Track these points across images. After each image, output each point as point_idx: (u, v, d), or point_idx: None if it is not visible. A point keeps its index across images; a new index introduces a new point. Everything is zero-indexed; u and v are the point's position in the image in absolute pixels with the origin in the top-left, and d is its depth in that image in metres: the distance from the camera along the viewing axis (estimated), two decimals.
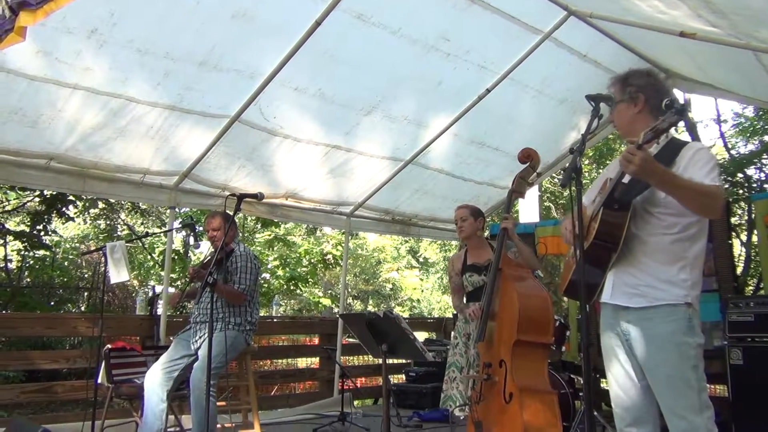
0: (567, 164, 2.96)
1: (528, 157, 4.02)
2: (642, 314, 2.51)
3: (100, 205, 13.10)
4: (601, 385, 7.21)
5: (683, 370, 2.41)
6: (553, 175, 11.25)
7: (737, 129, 12.73)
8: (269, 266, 14.12)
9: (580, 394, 5.46)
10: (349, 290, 20.06)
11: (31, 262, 12.21)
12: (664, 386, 2.45)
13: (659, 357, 2.45)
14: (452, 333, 4.71)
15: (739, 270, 9.51)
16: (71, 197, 10.35)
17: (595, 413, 4.86)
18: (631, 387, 2.58)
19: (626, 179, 2.52)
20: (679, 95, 12.26)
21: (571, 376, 5.81)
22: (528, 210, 9.14)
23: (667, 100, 2.38)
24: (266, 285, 13.66)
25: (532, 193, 8.83)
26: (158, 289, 8.61)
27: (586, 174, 15.48)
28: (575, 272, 2.64)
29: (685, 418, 2.38)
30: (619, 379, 2.62)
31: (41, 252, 11.88)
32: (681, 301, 2.45)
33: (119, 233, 14.35)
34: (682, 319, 2.44)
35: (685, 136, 13.10)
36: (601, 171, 16.25)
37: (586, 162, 15.48)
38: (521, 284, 3.71)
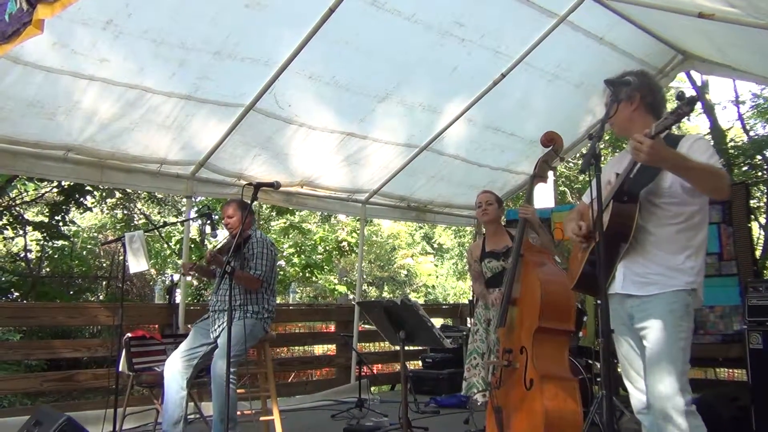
0: (583, 149, 2.96)
1: (551, 140, 3.95)
2: (647, 298, 2.62)
3: (117, 194, 13.19)
4: (619, 370, 7.21)
5: (672, 350, 2.53)
6: (569, 159, 11.19)
7: (756, 110, 12.55)
8: (285, 254, 14.17)
9: (598, 379, 5.45)
10: (365, 277, 20.09)
11: (51, 252, 12.35)
12: (653, 362, 2.57)
13: (655, 335, 2.58)
14: (471, 319, 4.71)
15: (758, 253, 9.41)
16: (89, 187, 10.43)
17: (614, 398, 4.85)
18: (639, 371, 2.72)
19: (633, 174, 2.63)
20: (697, 77, 12.17)
21: (589, 361, 5.79)
22: (543, 195, 9.10)
23: (679, 91, 2.41)
24: (282, 273, 13.73)
25: (549, 177, 8.78)
26: (176, 277, 8.68)
27: (604, 158, 15.36)
28: (582, 268, 2.78)
29: (662, 394, 2.50)
30: (631, 364, 2.77)
31: (60, 242, 12.00)
32: (688, 288, 2.58)
33: (136, 222, 14.45)
34: (680, 303, 2.57)
35: (702, 119, 12.95)
36: (617, 155, 16.15)
37: (603, 146, 15.35)
38: (543, 270, 3.66)
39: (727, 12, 3.94)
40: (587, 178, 2.44)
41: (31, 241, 12.01)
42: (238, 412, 4.42)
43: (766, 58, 4.96)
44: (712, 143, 2.63)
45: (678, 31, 5.57)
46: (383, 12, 4.78)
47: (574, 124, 6.98)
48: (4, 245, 13.24)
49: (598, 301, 2.43)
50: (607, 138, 14.80)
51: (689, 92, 2.51)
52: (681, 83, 12.46)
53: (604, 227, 2.56)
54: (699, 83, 12.41)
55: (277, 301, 4.87)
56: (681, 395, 2.49)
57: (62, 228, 11.25)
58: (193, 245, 11.86)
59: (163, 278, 14.78)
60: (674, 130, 2.63)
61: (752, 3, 3.66)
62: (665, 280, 2.59)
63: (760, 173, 11.44)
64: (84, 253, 14.40)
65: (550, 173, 4.14)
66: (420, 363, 7.73)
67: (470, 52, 5.44)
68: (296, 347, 9.89)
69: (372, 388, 7.14)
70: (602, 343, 2.46)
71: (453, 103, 6.23)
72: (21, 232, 11.42)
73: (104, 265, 14.44)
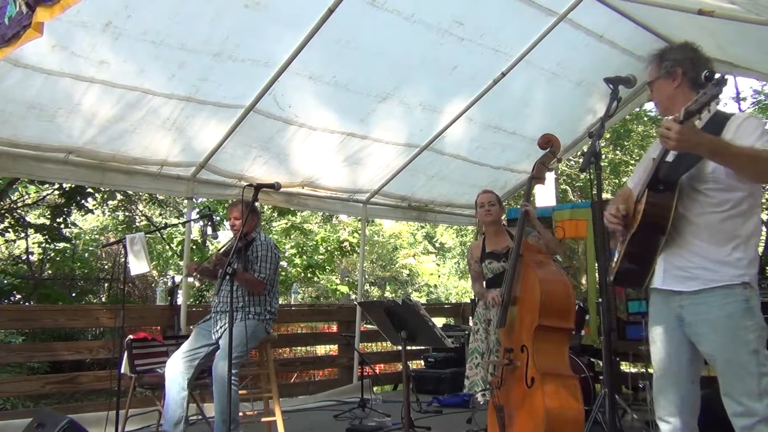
0: (584, 147, 2.95)
1: (549, 142, 3.98)
2: (696, 298, 2.39)
3: (118, 196, 13.21)
4: (621, 368, 7.20)
5: (740, 355, 2.30)
6: (570, 158, 11.17)
7: (757, 107, 12.55)
8: (286, 254, 14.18)
9: (600, 377, 5.45)
10: (367, 277, 20.10)
11: (52, 254, 12.36)
12: (722, 371, 2.36)
13: (716, 342, 2.35)
14: (472, 319, 4.71)
15: (760, 250, 9.36)
16: (90, 189, 10.44)
17: (616, 396, 4.85)
18: (671, 376, 2.49)
19: (670, 157, 2.41)
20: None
21: (591, 359, 5.80)
22: (545, 194, 9.09)
23: (707, 72, 2.29)
24: (284, 273, 13.73)
25: (549, 177, 8.78)
26: (178, 279, 8.68)
27: (604, 156, 15.35)
28: (620, 261, 2.56)
29: (742, 403, 2.29)
30: (662, 367, 2.52)
31: (62, 244, 12.00)
32: (737, 282, 2.33)
33: (137, 224, 14.47)
34: (738, 301, 2.32)
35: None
36: (618, 153, 16.15)
37: (604, 144, 15.35)
38: (542, 270, 3.69)
39: (728, 9, 3.93)
40: (588, 177, 2.42)
41: (33, 243, 12.02)
42: (240, 413, 4.42)
43: (766, 54, 4.95)
44: (762, 122, 2.40)
45: (678, 28, 5.55)
46: (383, 12, 4.78)
47: (575, 122, 6.97)
48: (6, 248, 13.26)
49: (599, 300, 2.41)
50: (608, 136, 14.81)
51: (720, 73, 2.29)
52: None
53: (638, 218, 2.41)
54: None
55: (280, 302, 4.86)
56: (760, 402, 2.25)
57: (64, 230, 11.27)
58: (194, 246, 11.87)
59: (165, 280, 14.79)
60: None
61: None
62: (708, 275, 2.36)
63: None
64: (86, 255, 14.42)
65: (549, 174, 4.15)
66: (422, 362, 7.73)
67: (470, 51, 5.44)
68: (298, 348, 9.89)
69: (374, 388, 7.14)
70: (604, 341, 2.45)
71: (453, 103, 6.22)
72: (23, 234, 11.42)
73: (106, 266, 14.45)
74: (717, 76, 2.19)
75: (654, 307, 2.58)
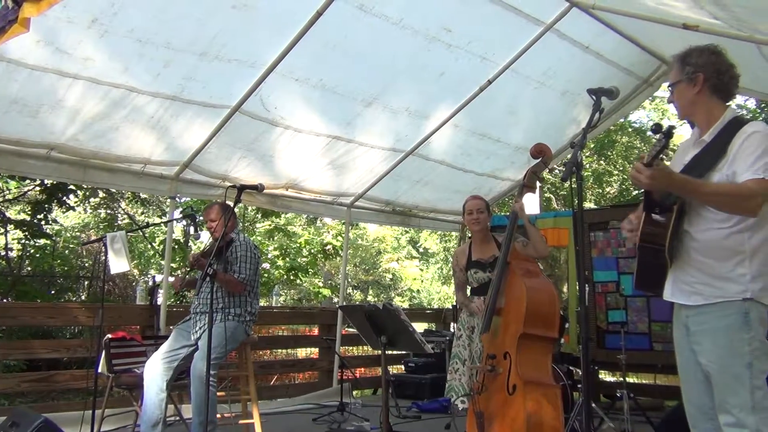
0: (568, 156, 2.97)
1: (541, 152, 3.98)
2: (699, 310, 2.45)
3: (101, 194, 13.10)
4: (600, 377, 7.25)
5: (735, 367, 2.34)
6: (554, 166, 11.24)
7: None
8: (269, 256, 14.13)
9: (579, 385, 5.48)
10: (349, 280, 20.08)
11: (32, 251, 12.23)
12: (716, 382, 2.40)
13: (713, 353, 2.40)
14: (456, 324, 4.69)
15: None
16: (72, 186, 10.34)
17: (593, 405, 4.88)
18: (693, 383, 2.53)
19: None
20: None
21: (570, 367, 5.83)
22: (529, 202, 9.13)
23: (653, 125, 2.36)
24: (266, 275, 13.67)
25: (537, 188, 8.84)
26: (158, 278, 8.63)
27: (587, 166, 15.47)
28: (637, 269, 2.63)
29: (734, 415, 2.32)
30: (684, 375, 2.58)
31: (42, 241, 11.89)
32: (738, 297, 2.36)
33: (119, 222, 14.35)
34: (736, 314, 2.35)
35: (686, 128, 12.98)
36: (602, 163, 16.27)
37: (587, 154, 15.47)
38: (529, 278, 3.70)
39: (711, 23, 3.98)
40: (570, 186, 2.45)
41: (12, 239, 11.89)
42: (218, 415, 4.39)
43: (748, 69, 4.98)
44: None
45: (663, 42, 5.62)
46: (371, 16, 4.79)
47: (560, 131, 7.01)
48: None
49: (578, 309, 2.45)
50: (591, 146, 14.93)
51: (671, 120, 2.42)
52: (665, 92, 12.57)
53: (637, 241, 2.50)
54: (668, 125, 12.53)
55: (261, 304, 4.84)
56: (752, 414, 2.29)
57: (44, 227, 11.15)
58: (176, 246, 11.79)
59: (146, 279, 14.68)
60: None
61: (735, 15, 3.70)
62: (710, 291, 2.40)
63: None
64: (66, 252, 14.28)
65: (538, 183, 4.16)
66: (403, 367, 7.73)
67: (457, 57, 5.46)
68: (279, 350, 9.85)
69: (354, 392, 7.12)
70: (582, 350, 2.47)
71: (439, 109, 6.24)
72: (2, 230, 11.30)
73: (86, 264, 14.32)
74: (664, 128, 2.28)
75: (674, 316, 2.65)
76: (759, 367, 2.32)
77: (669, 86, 2.68)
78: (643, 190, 2.55)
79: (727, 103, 2.56)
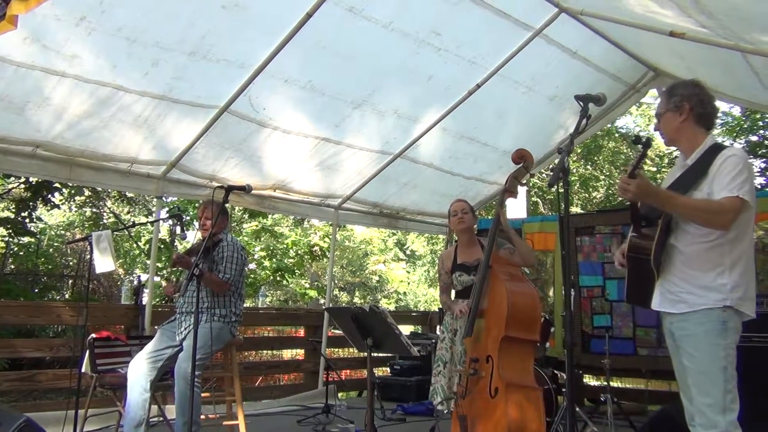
0: (555, 161, 3.02)
1: (522, 157, 4.01)
2: (682, 317, 2.66)
3: (86, 192, 13.00)
4: (584, 381, 7.28)
5: (711, 370, 2.54)
6: (542, 171, 11.30)
7: (724, 128, 12.82)
8: (256, 257, 14.09)
9: (563, 389, 5.51)
10: (336, 282, 20.05)
11: (16, 249, 12.13)
12: (693, 383, 2.60)
13: (692, 356, 2.60)
14: (440, 327, 4.71)
15: None
16: (57, 185, 10.26)
17: (577, 409, 4.90)
18: (685, 384, 2.72)
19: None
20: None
21: (555, 372, 5.85)
22: (516, 206, 9.17)
23: (633, 137, 2.58)
24: (253, 276, 13.63)
25: (521, 190, 8.87)
26: (144, 278, 8.56)
27: (574, 171, 15.56)
28: (627, 283, 2.89)
29: (705, 415, 2.53)
30: (680, 378, 2.77)
31: (26, 239, 11.80)
32: (719, 305, 2.57)
33: (105, 221, 14.24)
34: (715, 321, 2.56)
35: None
36: (589, 168, 16.36)
37: (574, 158, 15.56)
38: (511, 282, 3.73)
39: (697, 31, 4.03)
40: (557, 191, 2.48)
41: None
42: (202, 416, 4.38)
43: (733, 77, 5.08)
44: (745, 160, 2.63)
45: (650, 49, 5.67)
46: (360, 19, 4.80)
47: (547, 136, 7.06)
48: None
49: (563, 313, 2.51)
50: (579, 151, 15.01)
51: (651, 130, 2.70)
52: (653, 99, 12.67)
53: (626, 249, 2.76)
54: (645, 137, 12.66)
55: (247, 305, 4.82)
56: (722, 415, 2.49)
57: (28, 225, 11.05)
58: (162, 246, 11.72)
59: (131, 278, 14.59)
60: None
61: (721, 23, 3.75)
62: (694, 299, 2.62)
63: None
64: (50, 250, 14.16)
65: (521, 188, 4.18)
66: (388, 370, 7.72)
67: (446, 61, 5.48)
68: (264, 351, 9.82)
69: (339, 394, 7.11)
70: (567, 354, 2.50)
71: (428, 112, 6.26)
72: None
73: (71, 263, 14.21)
74: (644, 139, 2.51)
75: (663, 324, 2.86)
76: (731, 372, 2.54)
77: (656, 116, 2.90)
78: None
79: (709, 131, 2.80)
